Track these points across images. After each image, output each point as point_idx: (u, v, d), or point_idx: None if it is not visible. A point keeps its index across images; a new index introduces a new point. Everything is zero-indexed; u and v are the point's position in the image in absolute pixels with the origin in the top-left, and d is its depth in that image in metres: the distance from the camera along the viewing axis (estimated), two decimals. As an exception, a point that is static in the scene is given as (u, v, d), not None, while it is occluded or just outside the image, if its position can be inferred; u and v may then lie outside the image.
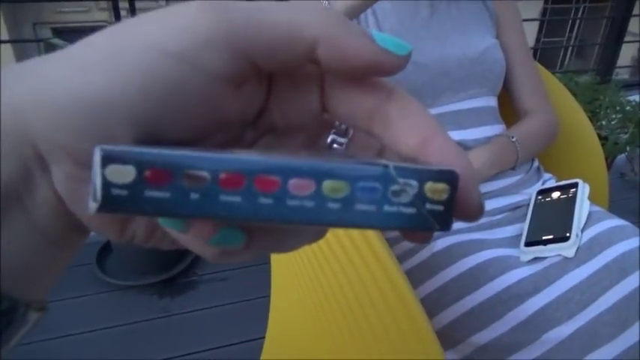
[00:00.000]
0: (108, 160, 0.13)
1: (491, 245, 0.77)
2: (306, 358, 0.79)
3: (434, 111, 0.87)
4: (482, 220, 0.84)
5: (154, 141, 0.17)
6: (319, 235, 0.20)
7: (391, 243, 0.86)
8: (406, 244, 0.84)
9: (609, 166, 1.93)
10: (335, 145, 0.21)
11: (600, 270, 0.70)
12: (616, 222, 0.77)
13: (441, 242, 0.78)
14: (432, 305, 0.75)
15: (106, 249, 1.64)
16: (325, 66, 0.18)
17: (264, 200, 0.14)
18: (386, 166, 0.15)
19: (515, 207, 0.86)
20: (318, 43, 0.17)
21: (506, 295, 0.70)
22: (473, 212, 0.17)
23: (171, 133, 0.17)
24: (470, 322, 0.72)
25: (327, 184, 0.14)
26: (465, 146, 0.86)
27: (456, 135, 0.87)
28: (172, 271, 1.58)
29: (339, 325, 0.67)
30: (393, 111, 0.18)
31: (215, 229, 0.16)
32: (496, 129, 0.91)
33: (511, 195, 0.87)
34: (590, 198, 0.82)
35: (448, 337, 0.74)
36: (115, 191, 0.13)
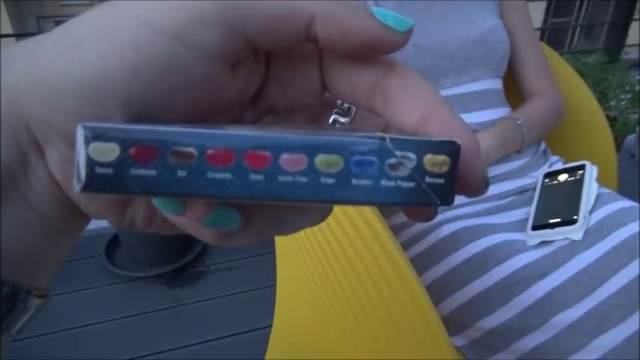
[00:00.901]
0: (91, 137, 0.13)
1: (498, 229, 0.77)
2: (312, 345, 0.79)
3: (438, 95, 0.85)
4: (489, 205, 0.83)
5: (149, 122, 0.16)
6: (322, 216, 0.20)
7: (398, 229, 0.85)
8: (412, 230, 0.83)
9: (619, 146, 1.91)
10: (337, 125, 0.20)
11: (609, 252, 0.69)
12: (625, 203, 0.76)
13: (447, 227, 0.78)
14: (439, 290, 0.75)
15: (114, 241, 1.65)
16: (323, 43, 0.17)
17: (254, 177, 0.13)
18: (382, 139, 0.14)
19: (522, 190, 0.85)
20: (316, 19, 0.16)
21: (514, 279, 0.70)
22: (476, 186, 0.16)
23: (166, 113, 0.17)
24: (477, 306, 0.72)
25: (321, 159, 0.14)
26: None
27: (461, 119, 0.86)
28: (181, 262, 1.59)
29: (344, 312, 0.67)
30: (393, 86, 0.18)
31: (209, 210, 0.16)
32: (501, 111, 0.90)
33: (518, 178, 0.86)
34: (598, 179, 0.80)
35: (456, 322, 0.74)
36: (99, 170, 0.13)
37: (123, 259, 1.60)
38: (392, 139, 0.14)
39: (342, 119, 0.20)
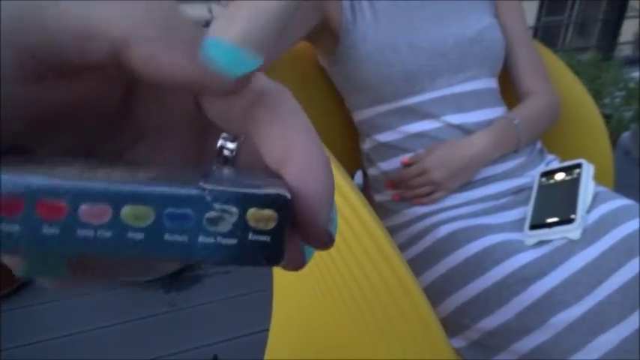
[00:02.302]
0: None
1: (495, 230, 0.76)
2: (309, 346, 0.78)
3: (433, 94, 0.85)
4: (486, 205, 0.82)
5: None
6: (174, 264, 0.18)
7: (396, 230, 0.85)
8: (410, 232, 0.83)
9: (614, 144, 1.91)
10: (225, 152, 0.18)
11: (607, 251, 0.68)
12: (622, 202, 0.75)
13: (445, 228, 0.77)
14: (438, 292, 0.75)
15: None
16: (135, 74, 0.15)
17: (48, 230, 0.12)
18: (201, 189, 0.13)
19: (519, 190, 0.85)
20: (121, 47, 0.14)
21: (512, 279, 0.69)
22: (318, 240, 0.15)
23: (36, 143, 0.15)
24: (476, 307, 0.71)
25: (128, 211, 0.12)
26: (466, 129, 0.85)
27: (457, 118, 0.85)
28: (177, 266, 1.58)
29: (341, 314, 0.67)
30: (259, 118, 0.16)
31: (22, 259, 0.14)
32: (497, 111, 0.89)
33: (514, 178, 0.86)
34: (594, 178, 0.80)
35: (455, 324, 0.73)
36: None
37: (119, 264, 1.59)
38: (212, 191, 0.13)
39: (229, 144, 0.18)
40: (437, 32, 0.85)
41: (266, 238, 0.13)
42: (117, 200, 0.12)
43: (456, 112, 0.85)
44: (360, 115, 0.92)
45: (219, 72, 0.14)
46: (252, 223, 0.13)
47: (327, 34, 0.87)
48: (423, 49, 0.83)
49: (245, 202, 0.13)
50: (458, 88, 0.86)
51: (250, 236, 0.13)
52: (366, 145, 0.93)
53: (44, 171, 0.13)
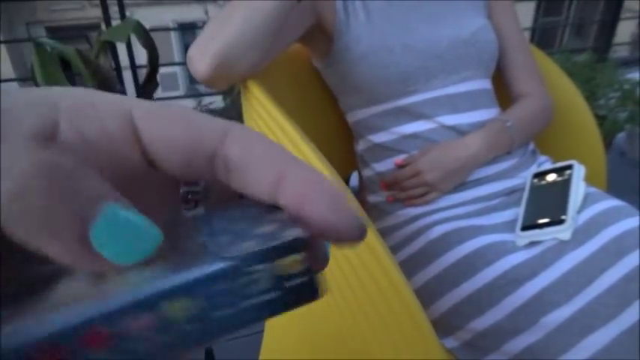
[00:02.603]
0: None
1: (487, 230, 0.77)
2: (302, 346, 0.79)
3: (427, 95, 0.85)
4: (479, 206, 0.83)
5: None
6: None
7: (388, 232, 0.86)
8: (403, 233, 0.83)
9: (609, 145, 1.92)
10: (191, 196, 0.17)
11: (597, 251, 0.69)
12: (613, 202, 0.76)
13: (437, 229, 0.78)
14: (430, 293, 0.75)
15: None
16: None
17: (99, 356, 0.11)
18: (226, 260, 0.12)
19: (511, 191, 0.85)
20: None
21: (504, 280, 0.70)
22: (352, 235, 0.15)
23: None
24: (468, 308, 0.72)
25: (170, 309, 0.12)
26: (460, 130, 0.85)
27: (452, 119, 0.85)
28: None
29: (333, 314, 0.67)
30: (233, 153, 0.15)
31: None
32: (492, 112, 0.90)
33: (507, 179, 0.86)
34: (587, 179, 0.80)
35: (447, 324, 0.74)
36: None
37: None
38: (236, 258, 0.13)
39: (194, 188, 0.17)
40: (432, 33, 0.86)
41: (303, 279, 0.13)
42: (154, 305, 0.12)
43: (450, 113, 0.86)
44: (354, 116, 0.92)
45: (106, 258, 0.13)
46: (283, 273, 0.13)
47: (321, 36, 0.87)
48: (418, 51, 0.84)
49: (270, 256, 0.13)
50: (452, 89, 0.87)
51: (288, 284, 0.13)
52: (360, 147, 0.93)
53: (57, 301, 0.12)
